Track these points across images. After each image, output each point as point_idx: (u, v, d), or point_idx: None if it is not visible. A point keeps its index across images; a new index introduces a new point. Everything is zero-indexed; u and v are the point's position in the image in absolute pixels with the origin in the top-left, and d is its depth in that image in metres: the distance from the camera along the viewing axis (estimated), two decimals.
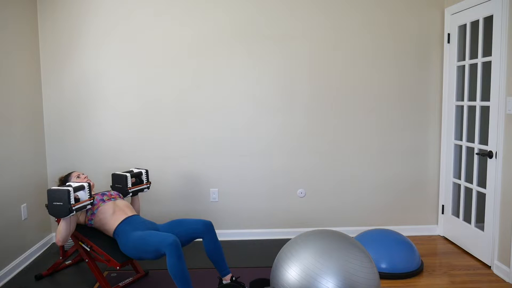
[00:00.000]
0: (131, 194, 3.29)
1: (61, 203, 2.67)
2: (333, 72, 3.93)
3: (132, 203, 3.40)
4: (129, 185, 3.25)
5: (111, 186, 3.34)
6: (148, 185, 3.41)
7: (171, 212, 4.02)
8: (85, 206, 2.81)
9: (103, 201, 3.01)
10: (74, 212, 2.71)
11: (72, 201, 2.69)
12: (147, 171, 3.41)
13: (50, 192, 2.69)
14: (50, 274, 3.27)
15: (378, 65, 3.95)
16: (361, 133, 4.01)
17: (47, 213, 3.91)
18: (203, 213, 4.04)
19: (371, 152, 4.03)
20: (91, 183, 3.17)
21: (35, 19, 3.75)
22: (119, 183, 3.26)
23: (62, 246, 3.20)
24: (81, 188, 2.81)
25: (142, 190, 3.37)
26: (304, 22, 3.88)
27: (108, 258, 2.79)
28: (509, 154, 3.08)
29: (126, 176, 3.23)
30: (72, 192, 2.69)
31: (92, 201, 2.87)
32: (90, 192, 2.86)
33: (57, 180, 3.91)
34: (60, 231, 2.79)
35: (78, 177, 3.17)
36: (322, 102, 3.96)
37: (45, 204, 2.77)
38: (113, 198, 3.08)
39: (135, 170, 3.37)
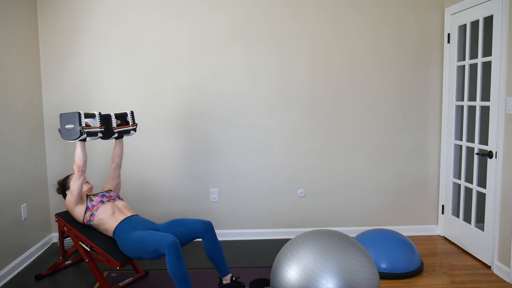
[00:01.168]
0: (116, 135, 3.13)
1: (73, 126, 2.82)
2: (333, 72, 3.93)
3: (115, 147, 3.29)
4: (114, 125, 3.11)
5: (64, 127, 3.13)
6: (135, 126, 3.27)
7: (171, 212, 4.02)
8: (96, 133, 2.91)
9: (103, 202, 3.01)
10: (85, 134, 2.83)
11: (83, 124, 2.82)
12: (132, 112, 3.27)
13: (62, 116, 2.86)
14: (50, 274, 3.27)
15: (377, 65, 3.95)
16: (361, 133, 4.01)
17: (47, 213, 3.91)
18: (203, 213, 4.04)
19: (371, 152, 4.03)
20: (89, 186, 3.17)
21: (35, 19, 3.75)
22: (104, 124, 3.06)
23: (62, 246, 3.20)
24: (91, 115, 2.92)
25: (128, 132, 3.22)
26: (304, 22, 3.88)
27: (108, 258, 2.79)
28: (509, 154, 3.08)
29: (110, 115, 3.09)
30: (83, 115, 2.83)
31: (103, 129, 2.95)
32: (101, 121, 2.95)
33: (55, 183, 3.91)
34: (77, 156, 2.90)
35: None
36: (322, 102, 3.96)
37: (58, 129, 2.94)
38: (112, 199, 3.08)
39: (119, 112, 3.21)
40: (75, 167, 2.93)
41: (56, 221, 3.12)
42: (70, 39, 3.82)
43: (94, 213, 2.96)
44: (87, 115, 2.90)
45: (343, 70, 3.94)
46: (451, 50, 3.84)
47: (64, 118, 2.86)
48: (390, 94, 3.98)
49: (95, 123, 2.94)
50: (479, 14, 3.39)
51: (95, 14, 3.80)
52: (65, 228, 3.04)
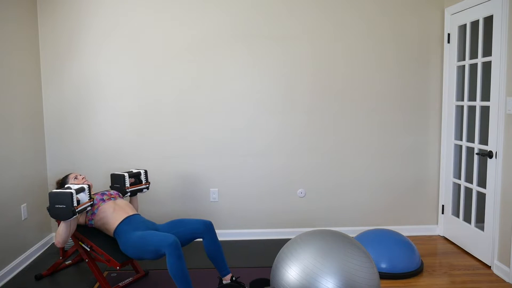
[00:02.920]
0: (129, 194, 3.28)
1: (64, 206, 2.64)
2: (332, 72, 3.93)
3: (131, 202, 3.39)
4: (127, 184, 3.25)
5: (110, 187, 3.34)
6: (147, 185, 3.40)
7: (171, 212, 4.02)
8: (85, 208, 2.80)
9: (103, 200, 3.01)
10: (77, 214, 2.70)
11: (75, 204, 2.67)
12: (146, 171, 3.41)
13: (52, 195, 2.65)
14: (50, 274, 3.27)
15: (378, 65, 3.95)
16: (361, 133, 4.01)
17: (47, 213, 3.90)
18: (203, 213, 4.04)
19: (371, 152, 4.03)
20: (90, 184, 3.17)
21: (35, 19, 3.75)
22: (117, 183, 3.26)
23: (62, 247, 3.20)
24: (81, 190, 2.80)
25: (141, 190, 3.37)
26: (305, 22, 3.88)
27: (108, 258, 2.79)
28: (509, 154, 3.08)
29: (124, 176, 3.23)
30: (75, 194, 2.67)
31: (92, 202, 2.87)
32: (90, 194, 2.86)
33: (54, 183, 3.91)
34: (60, 234, 2.76)
35: (76, 178, 3.16)
36: (322, 102, 3.96)
37: (47, 207, 2.76)
38: (113, 197, 3.08)
39: (134, 171, 3.36)
40: (55, 242, 2.78)
41: (57, 222, 3.11)
42: (70, 39, 3.82)
43: (95, 212, 2.96)
44: (77, 191, 2.74)
45: (343, 70, 3.94)
46: (451, 50, 3.84)
47: (55, 197, 2.64)
48: (390, 94, 3.98)
49: (85, 197, 2.82)
50: (479, 14, 3.39)
51: (95, 14, 3.80)
52: None
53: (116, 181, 3.26)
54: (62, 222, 2.76)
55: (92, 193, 3.18)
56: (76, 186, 2.78)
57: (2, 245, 3.17)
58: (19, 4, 3.49)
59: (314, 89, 3.95)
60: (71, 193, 2.64)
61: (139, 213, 3.42)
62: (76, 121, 3.89)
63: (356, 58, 3.93)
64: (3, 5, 3.25)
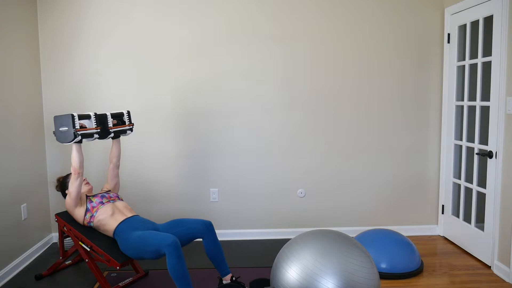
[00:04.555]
0: (112, 134, 3.10)
1: (67, 128, 2.75)
2: (333, 72, 3.94)
3: (112, 148, 3.28)
4: (110, 124, 3.07)
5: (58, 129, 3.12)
6: (131, 126, 3.24)
7: (171, 212, 4.02)
8: (91, 134, 2.86)
9: (102, 203, 3.01)
10: (80, 137, 2.77)
11: (77, 126, 2.76)
12: (128, 112, 3.25)
13: (56, 118, 2.79)
14: (50, 274, 3.27)
15: (378, 65, 3.95)
16: (361, 133, 4.01)
17: (47, 213, 3.91)
18: (203, 213, 4.04)
19: (371, 152, 4.03)
20: (89, 188, 3.16)
21: (35, 19, 3.75)
22: (101, 123, 3.02)
23: (62, 246, 3.20)
24: (86, 116, 2.87)
25: (124, 132, 3.19)
26: (305, 22, 3.88)
27: (108, 258, 2.79)
28: (509, 154, 3.08)
29: (106, 115, 3.05)
30: (76, 117, 2.76)
31: (98, 130, 2.89)
32: (96, 122, 2.90)
33: (55, 180, 3.91)
34: (73, 158, 2.86)
35: None
36: (322, 102, 3.96)
37: (53, 131, 2.85)
38: (112, 200, 3.08)
39: (115, 112, 3.19)
40: (72, 170, 2.91)
41: (56, 221, 3.12)
42: (70, 39, 3.82)
43: (94, 214, 2.96)
44: (82, 117, 2.84)
45: (343, 70, 3.94)
46: (451, 50, 3.84)
47: (58, 120, 2.79)
48: (390, 94, 3.98)
49: (91, 124, 2.89)
50: (479, 14, 3.39)
51: (95, 14, 3.80)
52: (65, 228, 3.04)
53: (101, 121, 3.01)
54: (73, 148, 2.85)
55: (91, 194, 3.17)
56: (81, 113, 2.86)
57: (2, 245, 3.17)
58: (19, 4, 3.49)
59: (314, 89, 3.95)
60: (72, 115, 2.75)
61: (120, 158, 3.32)
62: None
63: (356, 58, 3.93)
64: (3, 5, 3.25)
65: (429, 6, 3.91)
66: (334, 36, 3.91)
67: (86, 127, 2.85)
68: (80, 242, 2.94)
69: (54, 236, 4.00)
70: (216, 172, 4.00)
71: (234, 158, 3.98)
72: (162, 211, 4.02)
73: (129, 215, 2.99)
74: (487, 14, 3.29)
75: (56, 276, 3.24)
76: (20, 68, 3.48)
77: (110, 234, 2.92)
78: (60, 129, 2.79)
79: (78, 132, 2.77)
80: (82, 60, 3.84)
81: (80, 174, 2.91)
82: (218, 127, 3.95)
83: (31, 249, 3.60)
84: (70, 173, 3.23)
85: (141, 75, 3.88)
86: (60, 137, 2.82)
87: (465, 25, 3.74)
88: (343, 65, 3.93)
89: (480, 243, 3.44)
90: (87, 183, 3.18)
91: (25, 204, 3.50)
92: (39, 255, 3.67)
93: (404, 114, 4.01)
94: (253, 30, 3.87)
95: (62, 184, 3.19)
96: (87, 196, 3.05)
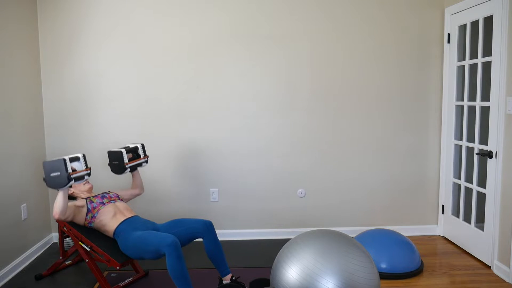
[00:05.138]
0: (129, 170, 3.20)
1: (59, 173, 2.65)
2: (333, 72, 3.94)
3: (133, 180, 3.39)
4: (126, 160, 3.15)
5: (108, 164, 3.27)
6: (146, 159, 3.33)
7: (171, 212, 4.02)
8: (82, 176, 2.78)
9: (103, 204, 3.01)
10: (73, 180, 2.69)
11: (70, 170, 2.67)
12: (143, 145, 3.34)
13: (46, 164, 2.67)
14: (50, 274, 3.27)
15: (378, 65, 3.95)
16: (361, 133, 4.01)
17: (47, 213, 3.90)
18: (203, 213, 4.04)
19: (371, 152, 4.03)
20: (89, 186, 3.17)
21: (35, 19, 3.75)
22: (115, 160, 3.15)
23: (62, 246, 3.20)
24: (75, 159, 2.80)
25: (140, 164, 3.29)
26: (305, 22, 3.88)
27: (108, 258, 2.79)
28: (509, 154, 3.08)
29: (121, 152, 3.13)
30: (68, 161, 2.68)
31: (89, 171, 2.83)
32: (85, 163, 2.84)
33: None
34: (57, 203, 2.76)
35: None
36: (322, 102, 3.96)
37: (43, 178, 2.77)
38: (112, 200, 3.08)
39: (131, 145, 3.28)
40: (53, 213, 2.80)
41: (56, 221, 3.11)
42: (70, 39, 3.82)
43: (95, 215, 2.96)
44: (72, 159, 2.77)
45: (343, 70, 3.94)
46: (451, 50, 3.84)
47: (49, 166, 2.67)
48: (390, 94, 3.98)
49: (81, 166, 2.83)
50: (479, 14, 3.39)
51: (95, 14, 3.80)
52: (65, 228, 3.04)
53: (114, 158, 3.15)
54: (59, 191, 2.75)
55: (92, 195, 3.17)
56: (71, 155, 2.79)
57: (2, 245, 3.17)
58: (19, 4, 3.49)
59: (314, 89, 3.95)
60: (64, 159, 2.66)
61: (143, 188, 3.40)
62: (76, 121, 3.89)
63: (356, 58, 3.93)
64: (3, 5, 3.25)
65: (429, 6, 3.91)
66: (334, 37, 3.91)
67: (76, 170, 2.78)
68: (80, 242, 2.94)
69: (54, 236, 4.00)
70: (216, 172, 4.00)
71: (234, 158, 3.98)
72: (162, 211, 4.02)
73: (129, 215, 3.00)
74: (487, 14, 3.29)
75: (56, 276, 3.24)
76: (20, 68, 3.48)
77: (110, 234, 2.92)
78: (52, 174, 2.66)
79: (71, 176, 2.67)
80: (82, 60, 3.84)
81: (59, 219, 2.83)
82: (218, 127, 3.95)
83: (31, 249, 3.60)
84: None
85: (141, 75, 3.88)
86: (52, 183, 2.69)
87: (465, 25, 3.74)
88: (343, 65, 3.93)
89: (480, 243, 3.44)
90: (87, 182, 3.18)
91: (25, 204, 3.50)
92: (39, 255, 3.67)
93: (404, 114, 4.01)
94: (253, 30, 3.87)
95: None
96: (86, 198, 3.05)
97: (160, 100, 3.90)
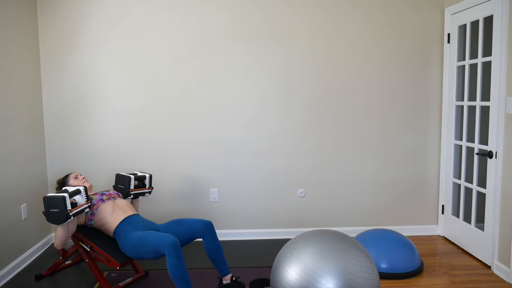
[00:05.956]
0: (132, 196, 3.29)
1: (58, 210, 2.64)
2: (333, 72, 3.94)
3: (131, 204, 3.40)
4: (131, 187, 3.26)
5: (113, 186, 3.35)
6: (150, 190, 3.40)
7: (171, 212, 4.02)
8: (82, 210, 2.78)
9: (103, 200, 3.01)
10: (72, 217, 2.68)
11: (69, 207, 2.66)
12: (151, 176, 3.42)
13: (46, 200, 2.66)
14: (50, 274, 3.27)
15: (378, 65, 3.95)
16: (361, 133, 4.01)
17: None
18: (203, 213, 4.04)
19: (371, 152, 4.03)
20: (88, 185, 3.17)
21: (35, 19, 3.75)
22: (122, 184, 3.28)
23: (62, 248, 3.20)
24: (77, 192, 2.78)
25: (143, 194, 3.37)
26: (305, 22, 3.88)
27: (108, 258, 2.79)
28: (509, 154, 3.08)
29: (129, 178, 3.25)
30: (68, 198, 2.66)
31: (89, 204, 2.84)
32: (87, 195, 2.84)
33: (55, 183, 3.91)
34: (58, 237, 2.76)
35: (76, 178, 3.17)
36: (322, 102, 3.96)
37: (42, 212, 2.76)
38: (112, 197, 3.08)
39: (139, 174, 3.38)
40: (55, 245, 2.78)
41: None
42: (70, 39, 3.82)
43: (94, 212, 2.96)
44: (72, 194, 2.73)
45: (343, 70, 3.94)
46: (451, 50, 3.84)
47: (48, 201, 2.65)
48: (390, 94, 3.98)
49: (81, 199, 2.82)
50: (479, 14, 3.39)
51: (95, 14, 3.80)
52: None
53: (121, 182, 3.28)
54: (59, 225, 2.74)
55: (91, 193, 3.17)
56: (72, 189, 2.76)
57: (2, 245, 3.17)
58: (19, 4, 3.49)
59: (314, 89, 3.95)
60: (64, 197, 2.63)
61: (138, 213, 3.41)
62: (76, 121, 3.89)
63: (356, 58, 3.93)
64: (3, 5, 3.25)
65: (429, 6, 3.91)
66: (334, 36, 3.91)
67: (76, 204, 2.76)
68: (80, 242, 2.94)
69: (54, 237, 3.99)
70: (216, 172, 4.00)
71: (234, 158, 3.98)
72: (162, 211, 4.02)
73: (130, 213, 2.99)
74: (487, 14, 3.29)
75: (56, 276, 3.24)
76: (20, 68, 3.48)
77: (110, 233, 2.92)
78: (51, 210, 2.66)
79: (70, 214, 2.66)
80: (82, 60, 3.84)
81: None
82: (219, 127, 3.95)
83: (31, 249, 3.60)
84: (69, 173, 3.24)
85: (141, 75, 3.88)
86: (51, 219, 2.68)
87: (465, 25, 3.74)
88: (343, 65, 3.93)
89: (480, 243, 3.44)
90: (86, 180, 3.18)
91: (25, 204, 3.50)
92: (39, 255, 3.67)
93: (404, 114, 4.01)
94: (254, 30, 3.87)
95: (62, 185, 3.19)
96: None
97: (160, 100, 3.90)
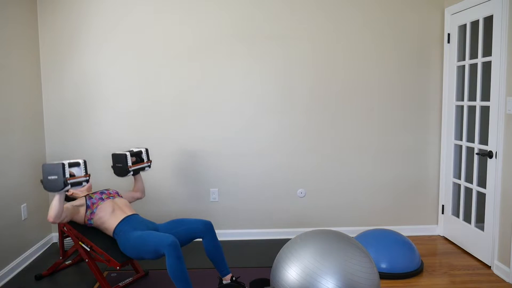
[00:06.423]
0: (132, 173, 3.24)
1: (56, 177, 2.66)
2: (333, 72, 3.94)
3: (135, 183, 3.40)
4: (129, 163, 3.20)
5: (112, 166, 3.29)
6: (149, 163, 3.37)
7: (171, 212, 4.02)
8: (80, 182, 2.78)
9: (102, 199, 3.01)
10: (69, 186, 2.69)
11: (67, 175, 2.68)
12: (147, 150, 3.39)
13: (45, 167, 2.68)
14: (50, 274, 3.27)
15: (378, 66, 3.95)
16: (361, 133, 4.01)
17: (47, 213, 3.90)
18: (203, 213, 4.04)
19: (371, 152, 4.03)
20: (89, 184, 3.17)
21: (35, 19, 3.75)
22: (119, 162, 3.21)
23: (62, 246, 3.20)
24: (75, 164, 2.79)
25: (143, 169, 3.34)
26: (305, 22, 3.88)
27: (108, 258, 2.79)
28: (509, 154, 3.08)
29: (125, 155, 3.18)
30: (66, 166, 2.69)
31: (87, 178, 2.84)
32: (85, 169, 2.84)
33: None
34: (52, 207, 2.76)
35: None
36: (322, 102, 3.96)
37: (40, 180, 2.75)
38: (111, 196, 3.08)
39: (135, 149, 3.33)
40: (48, 217, 2.77)
41: (52, 223, 3.11)
42: (70, 39, 3.82)
43: (94, 210, 2.96)
44: (71, 164, 2.76)
45: (343, 70, 3.94)
46: (451, 50, 3.85)
47: (47, 168, 2.67)
48: (390, 94, 3.98)
49: (80, 172, 2.82)
50: (479, 14, 3.40)
51: (95, 14, 3.80)
52: (65, 228, 3.04)
53: (118, 160, 3.21)
54: (55, 195, 2.75)
55: (91, 192, 3.17)
56: (71, 160, 2.79)
57: (2, 245, 3.17)
58: (19, 4, 3.49)
59: (314, 89, 3.95)
60: (63, 164, 2.67)
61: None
62: (76, 121, 3.89)
63: (356, 58, 3.93)
64: (3, 5, 3.25)
65: (429, 6, 3.91)
66: (334, 37, 3.91)
67: (75, 175, 2.77)
68: (80, 242, 2.94)
69: (54, 236, 4.00)
70: (216, 172, 4.00)
71: (234, 158, 3.98)
72: (162, 211, 4.02)
73: (129, 213, 2.99)
74: (487, 14, 3.29)
75: (56, 276, 3.24)
76: (20, 68, 3.48)
77: (110, 233, 2.92)
78: (49, 177, 2.67)
79: (68, 181, 2.68)
80: (82, 60, 3.84)
81: (54, 223, 2.82)
82: (218, 127, 3.95)
83: (31, 249, 3.60)
84: None
85: (141, 75, 3.88)
86: (49, 186, 2.70)
87: (465, 25, 3.74)
88: (343, 65, 3.93)
89: (480, 243, 3.44)
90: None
91: (25, 204, 3.50)
92: (39, 255, 3.67)
93: (404, 114, 4.01)
94: (254, 31, 3.87)
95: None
96: (86, 195, 3.05)
97: (160, 100, 3.90)
